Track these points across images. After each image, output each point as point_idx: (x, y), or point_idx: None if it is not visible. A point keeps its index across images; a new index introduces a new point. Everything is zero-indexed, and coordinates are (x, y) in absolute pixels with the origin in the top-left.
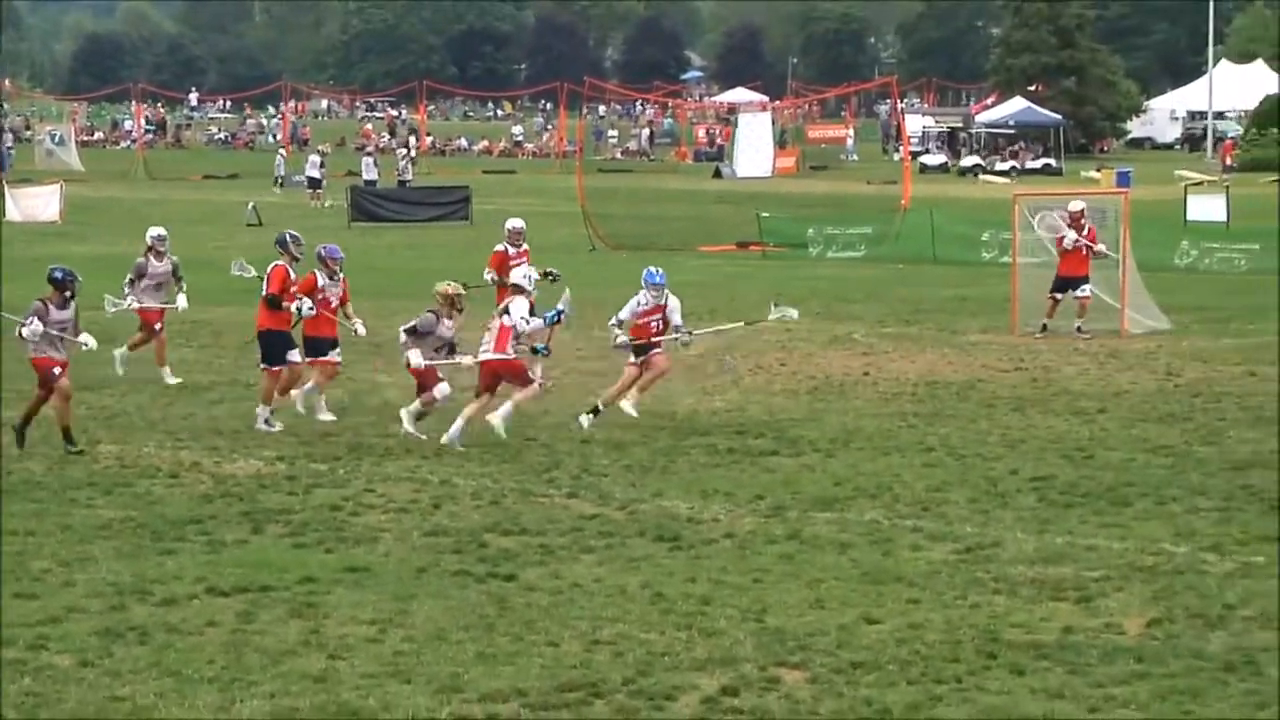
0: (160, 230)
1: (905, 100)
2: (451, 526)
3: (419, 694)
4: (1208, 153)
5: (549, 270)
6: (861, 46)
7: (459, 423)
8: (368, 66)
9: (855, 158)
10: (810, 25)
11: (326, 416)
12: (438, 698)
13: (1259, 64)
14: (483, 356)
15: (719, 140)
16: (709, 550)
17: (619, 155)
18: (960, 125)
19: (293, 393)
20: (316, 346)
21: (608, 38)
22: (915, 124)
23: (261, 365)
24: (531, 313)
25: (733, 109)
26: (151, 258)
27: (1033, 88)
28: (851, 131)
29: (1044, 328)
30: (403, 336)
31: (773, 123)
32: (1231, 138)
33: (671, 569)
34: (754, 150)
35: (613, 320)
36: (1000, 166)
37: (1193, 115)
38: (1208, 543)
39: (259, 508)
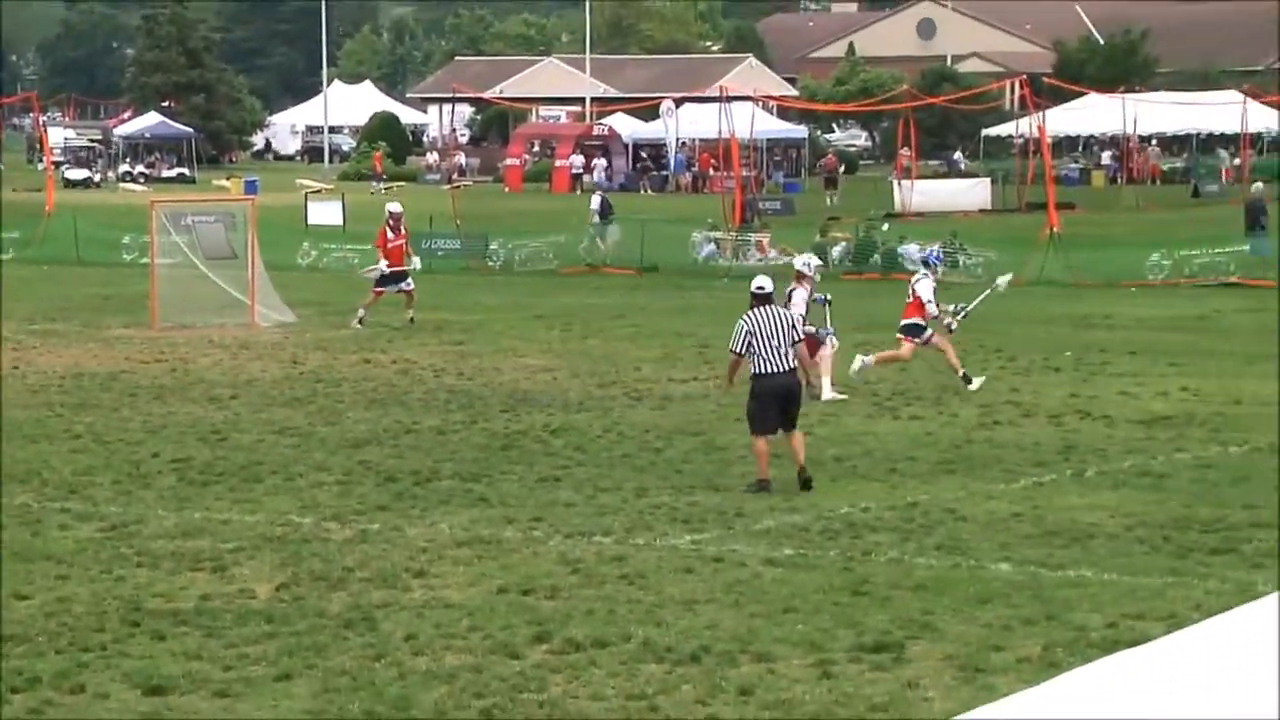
0: None
1: (47, 114)
2: None
3: None
4: (325, 163)
5: None
6: (3, 64)
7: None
8: None
9: (2, 168)
10: None
11: None
12: None
13: (367, 84)
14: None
15: None
16: None
17: None
18: (100, 138)
19: None
20: None
21: None
22: (58, 136)
23: None
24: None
25: None
26: None
27: (166, 103)
28: None
29: (360, 320)
30: None
31: None
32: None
33: None
34: None
35: (952, 308)
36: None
37: (311, 130)
38: (330, 513)
39: None
